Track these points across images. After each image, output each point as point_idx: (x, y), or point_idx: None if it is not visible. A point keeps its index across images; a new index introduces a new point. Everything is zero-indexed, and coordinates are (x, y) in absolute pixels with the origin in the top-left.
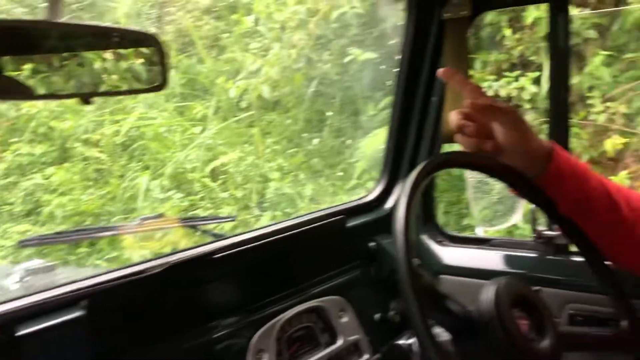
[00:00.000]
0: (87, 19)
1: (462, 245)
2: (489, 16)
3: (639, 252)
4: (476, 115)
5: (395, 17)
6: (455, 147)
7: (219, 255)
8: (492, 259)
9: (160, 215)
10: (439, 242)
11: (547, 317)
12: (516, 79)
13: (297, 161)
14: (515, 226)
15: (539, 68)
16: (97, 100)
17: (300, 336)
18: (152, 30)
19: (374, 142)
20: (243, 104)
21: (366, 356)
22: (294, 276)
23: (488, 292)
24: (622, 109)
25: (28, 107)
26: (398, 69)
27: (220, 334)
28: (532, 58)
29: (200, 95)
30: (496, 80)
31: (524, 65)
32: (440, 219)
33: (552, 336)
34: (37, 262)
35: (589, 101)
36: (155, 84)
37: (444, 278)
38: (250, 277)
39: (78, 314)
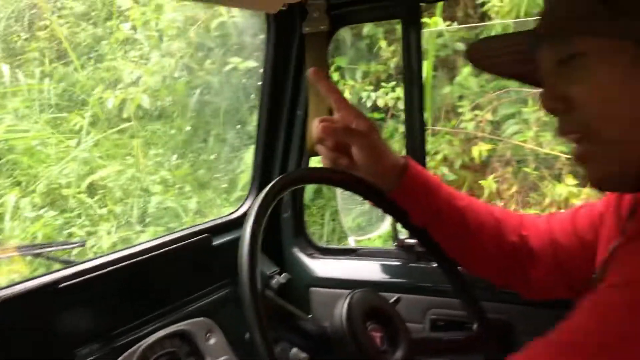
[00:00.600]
0: None
1: (331, 257)
2: (366, 28)
3: (486, 260)
4: (333, 133)
5: None
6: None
7: (67, 283)
8: (359, 269)
9: None
10: (310, 255)
11: (401, 327)
12: (393, 89)
13: (182, 173)
14: None
15: None
16: None
17: None
18: (23, 35)
19: None
20: (125, 114)
21: None
22: (159, 299)
23: (340, 307)
24: (488, 116)
25: None
26: (262, 83)
27: None
28: None
29: (77, 106)
30: (374, 90)
31: (399, 76)
32: (328, 226)
33: (405, 346)
34: None
35: (460, 110)
36: None
37: (316, 290)
38: (110, 302)
39: None
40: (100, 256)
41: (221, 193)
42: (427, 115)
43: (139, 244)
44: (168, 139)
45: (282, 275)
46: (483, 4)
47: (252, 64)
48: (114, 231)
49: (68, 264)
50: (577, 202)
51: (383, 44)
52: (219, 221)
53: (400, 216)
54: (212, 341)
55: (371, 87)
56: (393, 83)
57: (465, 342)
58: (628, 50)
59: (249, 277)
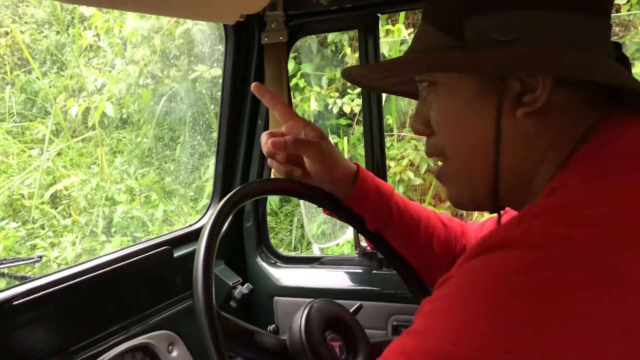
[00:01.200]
0: None
1: (294, 266)
2: (331, 36)
3: (435, 264)
4: (283, 147)
5: None
6: None
7: (22, 300)
8: (322, 277)
9: None
10: (273, 264)
11: (360, 334)
12: (358, 95)
13: (148, 181)
14: None
15: None
16: None
17: None
18: None
19: None
20: (90, 123)
21: None
22: (120, 312)
23: (298, 319)
24: None
25: None
26: (221, 92)
27: None
28: None
29: (40, 115)
30: (340, 97)
31: None
32: (297, 232)
33: (364, 352)
34: None
35: None
36: None
37: (279, 300)
38: (69, 317)
39: None
40: (59, 270)
41: (188, 201)
42: (392, 122)
43: (99, 257)
44: (134, 147)
45: (244, 286)
46: None
47: (218, 72)
48: (78, 242)
49: (24, 279)
50: None
51: (348, 50)
52: (180, 232)
53: (355, 222)
54: (174, 354)
55: (337, 94)
56: (358, 90)
57: None
58: (469, 84)
59: (204, 296)
